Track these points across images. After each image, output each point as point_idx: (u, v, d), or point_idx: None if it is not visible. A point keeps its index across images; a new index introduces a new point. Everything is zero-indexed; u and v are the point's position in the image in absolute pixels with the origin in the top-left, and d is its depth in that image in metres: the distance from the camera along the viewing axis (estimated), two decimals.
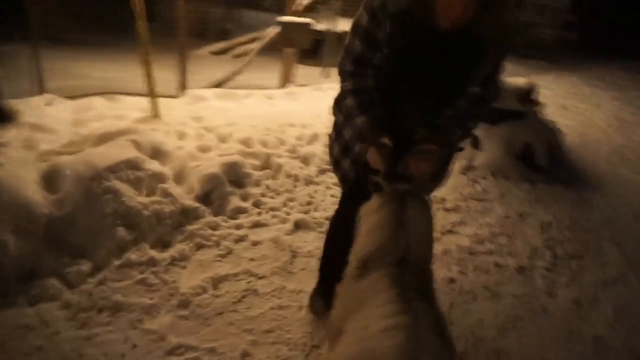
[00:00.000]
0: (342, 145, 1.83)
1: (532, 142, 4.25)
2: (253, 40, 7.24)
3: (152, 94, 3.65)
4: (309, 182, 3.46)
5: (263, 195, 3.12)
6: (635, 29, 12.97)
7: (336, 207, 2.11)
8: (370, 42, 1.53)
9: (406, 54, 1.53)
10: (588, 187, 4.31)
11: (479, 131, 4.30)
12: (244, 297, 2.24)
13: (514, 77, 4.56)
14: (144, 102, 3.80)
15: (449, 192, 3.65)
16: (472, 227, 3.24)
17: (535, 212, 3.61)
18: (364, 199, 1.97)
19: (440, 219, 3.24)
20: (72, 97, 3.82)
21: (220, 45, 7.46)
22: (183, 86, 4.75)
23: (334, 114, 1.87)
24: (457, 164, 3.96)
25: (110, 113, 3.71)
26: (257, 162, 3.40)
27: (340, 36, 7.35)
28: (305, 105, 5.17)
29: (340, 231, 2.06)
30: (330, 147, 1.93)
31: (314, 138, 4.13)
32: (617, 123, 6.71)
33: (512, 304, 2.50)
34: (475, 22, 1.42)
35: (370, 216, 1.45)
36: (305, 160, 3.73)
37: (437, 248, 2.85)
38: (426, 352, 1.04)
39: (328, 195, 3.35)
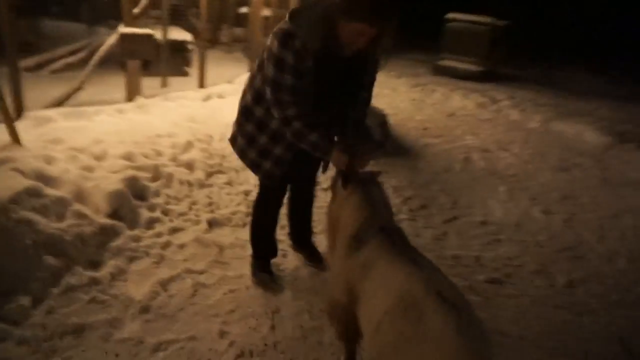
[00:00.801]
0: (258, 150, 2.20)
1: (369, 124, 5.20)
2: (74, 52, 6.72)
3: (8, 119, 3.33)
4: (202, 185, 3.67)
5: (167, 203, 3.24)
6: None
7: (242, 203, 2.50)
8: (297, 74, 1.91)
9: (324, 77, 1.97)
10: (410, 155, 5.49)
11: None
12: (195, 291, 2.45)
13: None
14: None
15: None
16: None
17: (385, 179, 4.51)
18: (284, 190, 2.44)
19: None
20: None
21: (34, 59, 6.70)
22: (20, 108, 4.30)
23: (241, 124, 2.22)
24: None
25: None
26: (148, 175, 3.46)
27: (172, 45, 7.37)
28: (161, 116, 5.19)
29: (266, 215, 2.49)
30: (243, 152, 2.27)
31: (188, 145, 4.30)
32: (413, 103, 8.41)
33: None
34: (364, 48, 1.95)
35: (347, 200, 1.89)
36: (190, 166, 3.91)
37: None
38: (444, 285, 1.41)
39: (223, 194, 3.63)
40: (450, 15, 11.88)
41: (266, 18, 10.00)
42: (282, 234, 2.91)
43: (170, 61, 7.22)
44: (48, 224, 2.41)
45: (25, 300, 2.09)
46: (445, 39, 12.25)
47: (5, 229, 2.24)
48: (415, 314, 1.33)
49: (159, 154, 3.97)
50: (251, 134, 2.17)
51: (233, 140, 2.29)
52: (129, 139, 4.16)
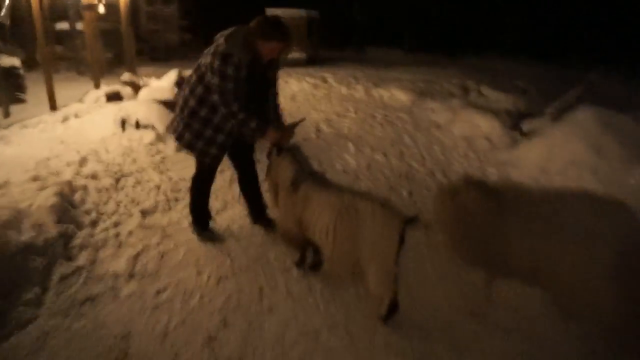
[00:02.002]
0: (205, 141, 2.99)
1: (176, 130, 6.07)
2: None
3: None
4: (116, 189, 4.18)
5: (97, 207, 3.73)
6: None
7: (159, 194, 3.42)
8: (236, 81, 2.75)
9: (252, 80, 2.86)
10: None
11: None
12: (162, 256, 3.13)
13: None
14: None
15: None
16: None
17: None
18: (215, 170, 3.23)
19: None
20: None
21: None
22: None
23: (188, 124, 2.97)
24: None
25: None
26: (66, 189, 3.83)
27: (2, 72, 7.07)
28: (30, 143, 5.30)
29: (204, 187, 3.29)
30: (191, 144, 3.02)
31: (83, 161, 4.68)
32: None
33: None
34: (274, 57, 2.93)
35: (282, 162, 2.83)
36: (95, 176, 4.33)
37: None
38: (359, 193, 2.54)
39: (139, 191, 4.19)
40: (269, 11, 13.17)
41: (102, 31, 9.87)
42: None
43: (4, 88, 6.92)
44: (19, 236, 2.82)
45: (36, 289, 2.56)
46: None
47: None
48: (353, 213, 2.43)
49: (60, 173, 4.29)
50: (198, 129, 2.95)
51: (180, 138, 3.02)
52: (19, 167, 4.35)
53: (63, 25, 11.08)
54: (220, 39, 2.81)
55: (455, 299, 2.74)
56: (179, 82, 5.78)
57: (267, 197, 3.41)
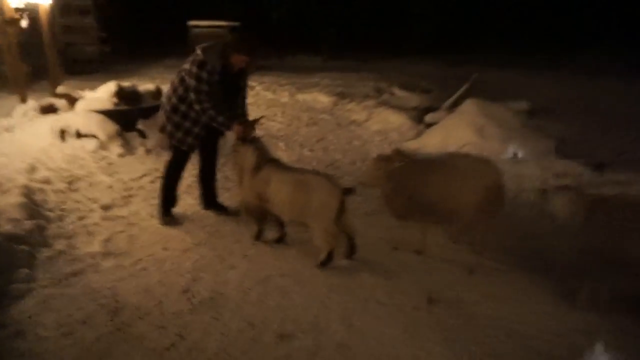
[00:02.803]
0: (183, 131, 3.63)
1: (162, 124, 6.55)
2: None
3: None
4: (71, 190, 4.56)
5: (59, 205, 4.13)
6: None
7: (113, 193, 4.04)
8: (209, 84, 3.40)
9: (224, 84, 3.51)
10: None
11: (142, 126, 6.21)
12: (130, 237, 3.66)
13: (143, 85, 6.63)
14: None
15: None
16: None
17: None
18: (187, 159, 3.82)
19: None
20: None
21: None
22: None
23: (170, 117, 3.61)
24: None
25: None
26: (25, 191, 4.16)
27: None
28: None
29: (176, 173, 3.87)
30: (172, 134, 3.67)
31: (31, 169, 4.94)
32: None
33: None
34: (244, 67, 3.61)
35: (246, 150, 3.48)
36: (48, 181, 4.65)
37: None
38: (312, 172, 3.34)
39: (94, 191, 4.60)
40: (192, 23, 13.57)
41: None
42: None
43: None
44: (2, 228, 3.22)
45: (25, 270, 2.99)
46: (191, 44, 13.87)
47: None
48: (305, 186, 3.19)
49: (13, 179, 4.56)
50: (178, 122, 3.58)
51: (163, 129, 3.66)
52: None
53: None
54: (198, 50, 3.46)
55: (393, 242, 3.64)
56: (118, 93, 6.15)
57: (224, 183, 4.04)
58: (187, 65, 3.47)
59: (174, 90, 3.61)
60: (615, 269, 2.73)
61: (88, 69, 13.71)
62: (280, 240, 3.68)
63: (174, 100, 3.61)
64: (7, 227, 3.28)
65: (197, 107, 3.49)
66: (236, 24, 14.26)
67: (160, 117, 3.78)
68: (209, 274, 3.18)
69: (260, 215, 3.63)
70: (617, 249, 2.63)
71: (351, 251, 3.38)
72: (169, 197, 3.98)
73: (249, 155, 3.53)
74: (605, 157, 5.87)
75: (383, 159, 3.52)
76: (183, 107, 3.59)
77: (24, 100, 8.07)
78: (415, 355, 2.46)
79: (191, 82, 3.43)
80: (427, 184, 3.29)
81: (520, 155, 5.75)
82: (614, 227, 2.65)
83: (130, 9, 16.73)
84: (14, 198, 3.79)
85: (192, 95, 3.47)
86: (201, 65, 3.41)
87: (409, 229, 3.71)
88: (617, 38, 14.98)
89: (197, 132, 3.69)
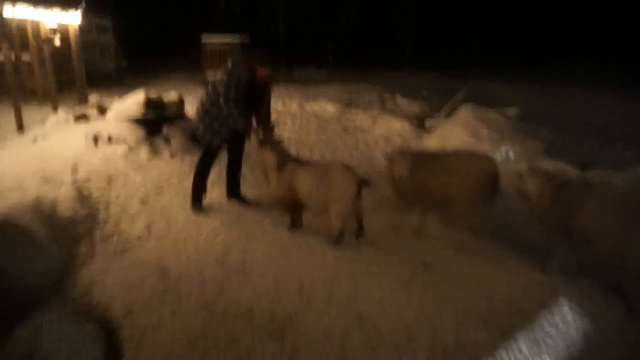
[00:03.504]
0: (212, 131, 4.25)
1: (192, 129, 7.19)
2: None
3: None
4: (109, 187, 5.17)
5: (100, 199, 4.74)
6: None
7: (148, 190, 4.48)
8: (236, 91, 4.01)
9: (248, 91, 4.13)
10: None
11: (166, 131, 6.86)
12: (168, 225, 4.25)
13: (168, 95, 7.30)
14: None
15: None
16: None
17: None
18: (216, 155, 4.43)
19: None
20: None
21: None
22: None
23: (202, 118, 4.25)
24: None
25: None
26: (72, 188, 4.79)
27: None
28: (11, 160, 6.08)
29: (205, 169, 4.48)
30: (203, 135, 4.29)
31: (74, 170, 5.58)
32: None
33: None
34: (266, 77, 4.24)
35: (268, 152, 4.05)
36: (89, 179, 5.28)
37: None
38: (328, 162, 4.04)
39: (129, 189, 5.21)
40: (206, 38, 14.37)
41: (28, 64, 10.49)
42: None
43: None
44: (63, 213, 3.84)
45: (87, 245, 3.61)
46: (205, 57, 14.68)
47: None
48: (328, 177, 3.76)
49: (61, 177, 5.20)
50: (209, 123, 4.21)
51: (197, 129, 4.30)
52: (18, 176, 5.21)
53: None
54: (229, 62, 4.10)
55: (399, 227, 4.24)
56: (147, 102, 6.81)
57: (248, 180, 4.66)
58: (219, 75, 4.11)
59: (207, 95, 4.25)
60: (574, 240, 3.30)
61: (106, 83, 14.53)
62: (295, 224, 4.26)
63: (206, 104, 4.24)
64: (68, 213, 3.91)
65: (225, 110, 4.11)
66: (245, 38, 15.03)
67: (195, 120, 4.40)
68: (237, 249, 3.77)
69: (291, 206, 4.15)
70: (574, 222, 3.19)
71: (359, 232, 3.96)
72: (199, 188, 4.58)
73: (269, 156, 4.10)
74: (586, 158, 6.43)
75: (395, 156, 4.11)
76: (213, 111, 4.21)
77: (55, 110, 8.80)
78: (409, 303, 3.03)
79: (221, 88, 4.06)
80: (432, 176, 3.89)
81: (512, 155, 6.33)
82: (573, 203, 3.22)
83: (146, 26, 17.59)
84: (68, 191, 4.42)
85: (221, 101, 4.10)
86: (230, 75, 4.04)
87: (408, 215, 4.28)
88: (601, 54, 16.36)
89: (225, 132, 4.30)
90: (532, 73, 15.19)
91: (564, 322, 2.92)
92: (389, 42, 19.19)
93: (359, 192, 3.74)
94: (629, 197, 3.14)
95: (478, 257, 3.76)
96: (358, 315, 2.91)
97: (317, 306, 3.00)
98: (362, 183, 3.76)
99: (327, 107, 10.42)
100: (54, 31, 8.43)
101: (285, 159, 4.08)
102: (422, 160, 4.06)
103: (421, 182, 3.95)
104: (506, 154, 6.28)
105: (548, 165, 5.91)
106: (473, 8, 19.95)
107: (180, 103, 7.35)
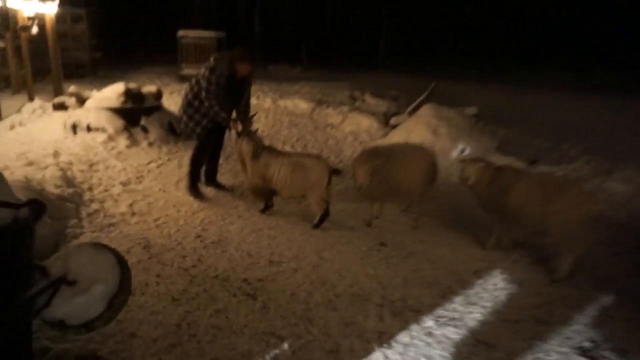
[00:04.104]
0: (194, 123, 4.58)
1: (170, 120, 7.50)
2: None
3: None
4: (92, 171, 5.46)
5: (84, 181, 5.03)
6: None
7: (128, 176, 4.82)
8: (217, 86, 4.35)
9: (229, 87, 4.48)
10: None
11: (145, 122, 7.14)
12: (149, 205, 4.59)
13: (146, 87, 7.57)
14: None
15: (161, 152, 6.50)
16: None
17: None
18: (208, 144, 4.79)
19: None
20: None
21: None
22: None
23: (186, 110, 4.58)
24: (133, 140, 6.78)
25: None
26: (57, 168, 5.06)
27: None
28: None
29: (201, 155, 4.83)
30: (187, 125, 4.63)
31: (56, 154, 5.82)
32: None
33: None
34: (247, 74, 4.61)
35: (246, 142, 4.41)
36: (70, 164, 5.55)
37: None
38: (304, 154, 4.43)
39: (111, 173, 5.50)
40: (182, 33, 14.51)
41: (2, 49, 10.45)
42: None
43: None
44: (52, 191, 4.14)
45: (75, 220, 3.93)
46: (181, 52, 14.82)
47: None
48: (302, 167, 4.19)
49: (45, 160, 5.45)
50: (191, 114, 4.54)
51: (180, 119, 4.61)
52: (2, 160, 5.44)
53: None
54: (211, 58, 4.44)
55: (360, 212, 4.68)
56: (126, 93, 7.07)
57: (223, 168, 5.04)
58: (201, 70, 4.46)
59: (191, 89, 4.58)
60: (508, 219, 3.86)
61: (79, 73, 14.51)
62: (267, 208, 4.68)
63: (189, 97, 4.58)
64: (56, 191, 4.21)
65: (206, 103, 4.46)
66: (222, 34, 15.26)
67: (179, 111, 4.75)
68: (215, 227, 4.17)
69: (265, 194, 4.56)
70: (506, 201, 3.75)
71: (325, 215, 4.40)
72: (194, 176, 4.91)
73: (246, 146, 4.48)
74: (536, 155, 7.11)
75: (360, 158, 4.51)
76: (196, 103, 4.56)
77: (31, 99, 8.91)
78: (366, 272, 3.51)
79: (203, 83, 4.41)
80: (392, 172, 4.33)
81: (467, 151, 6.93)
82: (505, 185, 3.77)
83: (121, 18, 17.57)
84: (53, 172, 4.70)
85: (203, 94, 4.46)
86: (212, 70, 4.39)
87: (368, 203, 4.77)
88: (562, 57, 17.54)
89: (205, 124, 4.64)
90: (500, 76, 16.09)
91: (494, 286, 3.46)
92: (364, 43, 19.84)
93: (330, 180, 4.20)
94: (548, 180, 3.71)
95: (428, 236, 4.29)
96: (321, 281, 3.37)
97: (285, 274, 3.44)
98: (333, 172, 4.23)
99: (299, 104, 10.84)
100: (32, 20, 8.52)
101: (261, 149, 4.47)
102: (379, 161, 4.43)
103: (380, 181, 4.36)
104: (462, 150, 6.87)
105: (498, 159, 6.54)
106: (450, 12, 20.83)
107: (158, 95, 7.63)
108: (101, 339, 2.51)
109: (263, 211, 4.61)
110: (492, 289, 3.42)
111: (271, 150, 4.53)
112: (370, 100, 10.86)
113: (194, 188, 4.93)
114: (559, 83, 14.49)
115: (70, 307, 1.65)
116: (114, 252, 1.77)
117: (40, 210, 1.59)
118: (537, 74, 16.54)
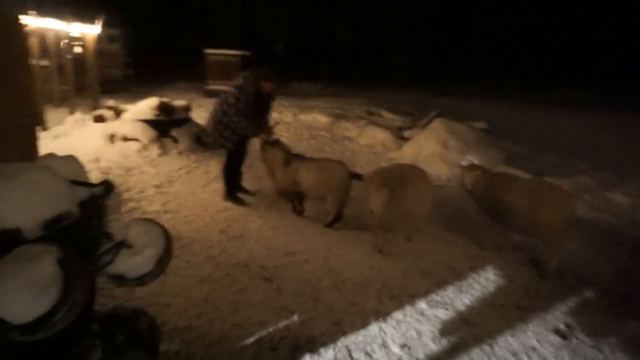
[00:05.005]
0: (224, 138, 5.08)
1: (198, 131, 8.11)
2: None
3: None
4: (129, 175, 6.06)
5: (122, 183, 5.62)
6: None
7: (161, 180, 5.38)
8: (244, 103, 4.84)
9: (255, 104, 4.99)
10: None
11: (175, 133, 7.77)
12: (180, 204, 5.13)
13: (177, 101, 8.23)
14: None
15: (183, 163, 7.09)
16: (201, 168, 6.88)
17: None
18: (239, 156, 5.34)
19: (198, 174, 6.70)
20: None
21: None
22: None
23: (216, 126, 5.06)
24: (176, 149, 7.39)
25: None
26: (96, 173, 5.68)
27: None
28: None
29: (232, 166, 5.37)
30: (216, 140, 5.12)
31: (95, 161, 6.46)
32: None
33: None
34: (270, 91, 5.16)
35: (272, 150, 4.98)
36: (110, 168, 6.17)
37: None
38: (323, 159, 5.04)
39: (145, 177, 6.10)
40: (208, 51, 15.36)
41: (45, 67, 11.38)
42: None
43: None
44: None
45: (115, 216, 4.49)
46: (207, 69, 15.64)
47: None
48: (327, 169, 4.71)
49: (87, 165, 6.08)
50: (221, 131, 5.04)
51: (211, 136, 5.14)
52: None
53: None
54: (240, 77, 4.97)
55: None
56: (160, 106, 7.74)
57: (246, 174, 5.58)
58: (231, 88, 4.99)
59: (220, 106, 5.07)
60: (503, 221, 4.24)
61: (112, 89, 15.45)
62: (298, 212, 5.13)
63: (219, 114, 5.04)
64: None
65: (234, 119, 4.94)
66: (247, 53, 16.04)
67: (209, 127, 5.23)
68: (237, 224, 4.67)
69: (294, 196, 5.06)
70: (501, 205, 4.13)
71: (339, 217, 4.84)
72: (229, 185, 5.39)
73: (278, 154, 4.98)
74: (542, 168, 7.43)
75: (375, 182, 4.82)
76: (225, 120, 5.01)
77: (72, 112, 9.71)
78: (370, 265, 3.94)
79: (232, 100, 4.88)
80: (407, 200, 4.66)
81: (475, 163, 7.30)
82: (500, 190, 4.16)
83: (152, 39, 18.63)
84: (96, 175, 5.31)
85: (232, 111, 4.95)
86: (240, 88, 4.89)
87: None
88: (586, 80, 17.84)
89: (235, 139, 5.10)
90: (510, 94, 16.54)
91: (486, 279, 3.84)
92: (381, 61, 20.51)
93: (350, 183, 4.66)
94: (537, 184, 4.10)
95: (431, 238, 4.69)
96: (329, 270, 3.81)
97: (298, 263, 3.90)
98: (354, 177, 4.69)
99: (318, 118, 11.39)
100: (76, 39, 9.35)
101: (290, 155, 4.97)
102: (394, 186, 4.65)
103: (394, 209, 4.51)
104: (470, 162, 7.25)
105: (505, 171, 6.89)
106: (463, 32, 21.43)
107: (187, 108, 8.28)
108: (141, 305, 3.01)
109: (299, 213, 5.10)
110: (484, 281, 3.80)
111: (299, 157, 5.03)
112: (386, 115, 11.34)
113: (231, 195, 5.38)
114: (569, 101, 14.79)
115: (128, 265, 2.15)
116: (160, 225, 2.27)
117: (110, 189, 2.11)
118: (548, 92, 16.94)
